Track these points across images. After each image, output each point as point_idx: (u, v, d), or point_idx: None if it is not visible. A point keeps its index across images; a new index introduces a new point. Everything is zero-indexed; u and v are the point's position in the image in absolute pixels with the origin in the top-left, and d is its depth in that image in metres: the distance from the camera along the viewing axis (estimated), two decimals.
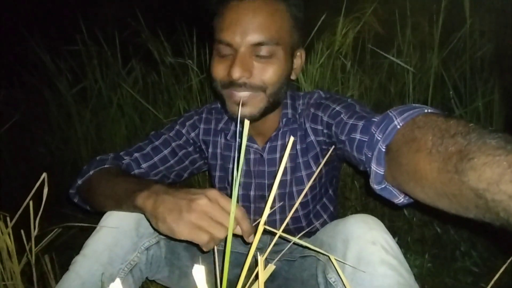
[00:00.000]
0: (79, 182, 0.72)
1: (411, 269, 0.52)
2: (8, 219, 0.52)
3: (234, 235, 0.54)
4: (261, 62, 0.64)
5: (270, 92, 0.66)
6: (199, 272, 0.14)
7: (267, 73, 0.64)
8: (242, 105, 0.65)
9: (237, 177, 0.35)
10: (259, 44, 0.62)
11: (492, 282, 0.37)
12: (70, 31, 1.53)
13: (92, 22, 1.53)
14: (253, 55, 0.63)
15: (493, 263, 0.88)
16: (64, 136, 1.71)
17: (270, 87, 0.66)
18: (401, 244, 1.04)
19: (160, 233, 0.55)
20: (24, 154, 1.71)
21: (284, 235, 0.45)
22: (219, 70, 0.66)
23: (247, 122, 0.35)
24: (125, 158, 0.78)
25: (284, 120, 0.75)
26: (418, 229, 1.08)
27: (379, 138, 0.50)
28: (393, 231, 1.12)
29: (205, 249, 0.51)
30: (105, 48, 1.54)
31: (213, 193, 0.52)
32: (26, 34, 1.51)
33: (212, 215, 0.50)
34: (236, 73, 0.62)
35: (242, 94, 0.65)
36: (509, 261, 0.41)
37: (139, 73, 1.59)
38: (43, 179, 0.51)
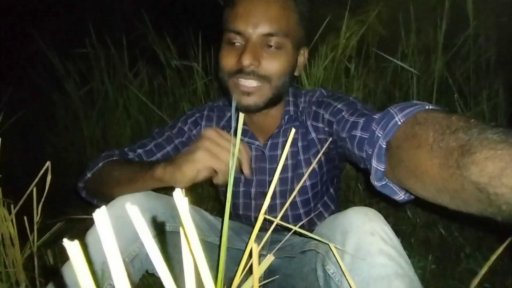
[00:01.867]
0: (88, 175, 0.74)
1: (415, 271, 0.51)
2: (12, 206, 0.53)
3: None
4: (270, 53, 0.66)
5: (275, 84, 0.68)
6: (180, 197, 0.15)
7: (275, 64, 0.67)
8: (248, 94, 0.67)
9: (231, 172, 0.36)
10: (270, 34, 0.65)
11: (482, 272, 0.37)
12: (79, 34, 1.56)
13: (101, 25, 1.56)
14: (263, 45, 0.66)
15: (499, 265, 0.87)
16: (71, 137, 1.73)
17: (275, 78, 0.68)
18: (405, 246, 1.01)
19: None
20: (31, 154, 1.73)
21: (283, 223, 0.45)
22: (228, 59, 0.68)
23: (241, 116, 0.35)
24: (129, 153, 0.79)
25: (286, 117, 0.76)
26: (422, 231, 1.06)
27: (379, 135, 0.50)
28: (397, 233, 1.09)
29: (221, 178, 0.60)
30: (112, 51, 1.57)
31: (216, 129, 0.61)
32: (36, 36, 1.55)
33: (218, 142, 0.59)
34: (247, 60, 0.64)
35: (249, 83, 0.67)
36: (499, 251, 0.41)
37: (145, 76, 1.61)
38: (47, 167, 0.52)
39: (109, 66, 1.61)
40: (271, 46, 0.66)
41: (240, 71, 0.66)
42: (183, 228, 0.16)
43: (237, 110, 0.71)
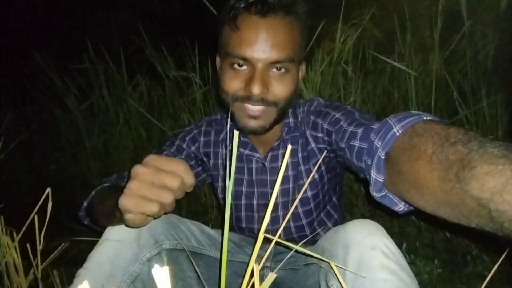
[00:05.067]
0: (85, 204, 0.74)
1: (421, 275, 0.51)
2: (14, 233, 0.53)
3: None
4: (276, 79, 0.65)
5: (281, 106, 0.68)
6: (160, 273, 0.15)
7: (282, 89, 0.66)
8: (255, 118, 0.67)
9: (230, 185, 0.36)
10: (277, 62, 0.64)
11: (489, 276, 0.36)
12: (76, 49, 1.58)
13: (98, 40, 1.57)
14: (269, 71, 0.65)
15: (507, 266, 0.86)
16: (74, 152, 1.74)
17: (282, 102, 0.67)
18: (410, 250, 1.01)
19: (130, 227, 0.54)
20: (35, 171, 1.75)
21: (284, 242, 0.45)
22: (233, 84, 0.66)
23: (236, 133, 0.35)
24: (127, 176, 0.79)
25: (286, 129, 0.76)
26: (427, 234, 1.05)
27: (378, 146, 0.50)
28: (402, 237, 1.09)
29: (155, 217, 0.50)
30: (111, 65, 1.58)
31: (149, 158, 0.48)
32: (35, 54, 1.56)
33: (153, 179, 0.46)
34: (257, 90, 0.63)
35: (257, 108, 0.66)
36: (503, 257, 0.41)
37: (144, 88, 1.62)
38: (47, 194, 0.52)
39: (108, 80, 1.62)
40: (279, 69, 0.65)
41: (247, 98, 0.65)
42: None
43: (244, 132, 0.70)
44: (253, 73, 0.63)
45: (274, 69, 0.65)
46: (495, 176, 0.31)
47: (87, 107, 1.67)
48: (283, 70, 0.65)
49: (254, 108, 0.66)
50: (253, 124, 0.67)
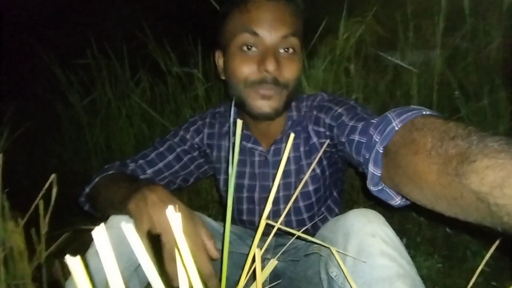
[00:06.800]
0: (87, 190, 0.74)
1: (421, 270, 0.51)
2: (19, 219, 0.54)
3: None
4: (286, 58, 0.67)
5: (290, 89, 0.69)
6: (173, 214, 0.15)
7: (293, 70, 0.68)
8: (268, 99, 0.67)
9: (232, 177, 0.36)
10: (287, 36, 0.66)
11: (481, 266, 0.37)
12: (80, 45, 1.58)
13: (101, 36, 1.58)
14: (279, 49, 0.66)
15: (506, 262, 0.86)
16: (75, 147, 1.75)
17: (291, 84, 0.69)
18: (411, 245, 1.02)
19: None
20: (37, 165, 1.75)
21: (285, 228, 0.45)
22: (244, 68, 0.66)
23: (240, 122, 0.36)
24: (130, 165, 0.80)
25: (290, 123, 0.76)
26: (427, 230, 1.06)
27: (377, 140, 0.50)
28: (403, 232, 1.10)
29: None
30: (113, 61, 1.59)
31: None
32: (38, 48, 1.57)
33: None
34: (272, 66, 0.63)
35: (270, 87, 0.67)
36: (492, 249, 0.41)
37: (146, 84, 1.63)
38: (52, 180, 0.53)
39: (110, 75, 1.63)
40: (287, 50, 0.67)
41: (261, 81, 0.66)
42: (177, 244, 0.17)
43: (254, 117, 0.71)
44: (266, 52, 0.65)
45: (283, 50, 0.66)
46: (495, 170, 0.31)
47: (89, 102, 1.68)
48: (291, 50, 0.67)
49: (268, 87, 0.66)
50: (266, 106, 0.68)
